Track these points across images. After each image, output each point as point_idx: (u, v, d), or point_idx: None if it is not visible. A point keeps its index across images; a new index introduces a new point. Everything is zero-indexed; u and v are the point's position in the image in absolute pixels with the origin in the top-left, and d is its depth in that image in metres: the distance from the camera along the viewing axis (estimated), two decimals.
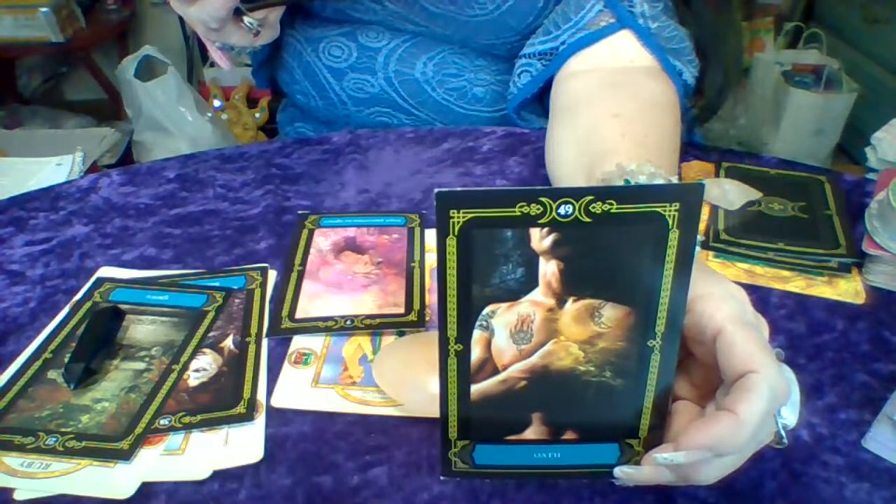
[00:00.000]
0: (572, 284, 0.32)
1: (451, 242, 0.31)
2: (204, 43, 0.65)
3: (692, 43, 0.63)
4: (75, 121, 2.24)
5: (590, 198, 0.30)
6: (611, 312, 0.33)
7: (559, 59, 0.63)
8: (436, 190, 0.30)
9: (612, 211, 0.30)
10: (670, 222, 0.31)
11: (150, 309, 0.50)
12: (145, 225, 0.60)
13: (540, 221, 0.31)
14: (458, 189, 0.30)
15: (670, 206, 0.30)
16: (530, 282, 0.32)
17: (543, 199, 0.30)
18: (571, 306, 0.33)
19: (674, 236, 0.31)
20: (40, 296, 0.52)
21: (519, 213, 0.30)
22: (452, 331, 0.33)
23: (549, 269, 0.32)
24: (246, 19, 0.59)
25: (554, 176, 0.58)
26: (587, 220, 0.30)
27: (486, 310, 0.33)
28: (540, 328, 0.34)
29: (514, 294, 0.33)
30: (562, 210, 0.30)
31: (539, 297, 0.33)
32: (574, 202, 0.30)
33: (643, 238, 0.31)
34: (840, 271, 0.54)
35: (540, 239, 0.31)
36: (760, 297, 0.51)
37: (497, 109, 0.75)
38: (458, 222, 0.30)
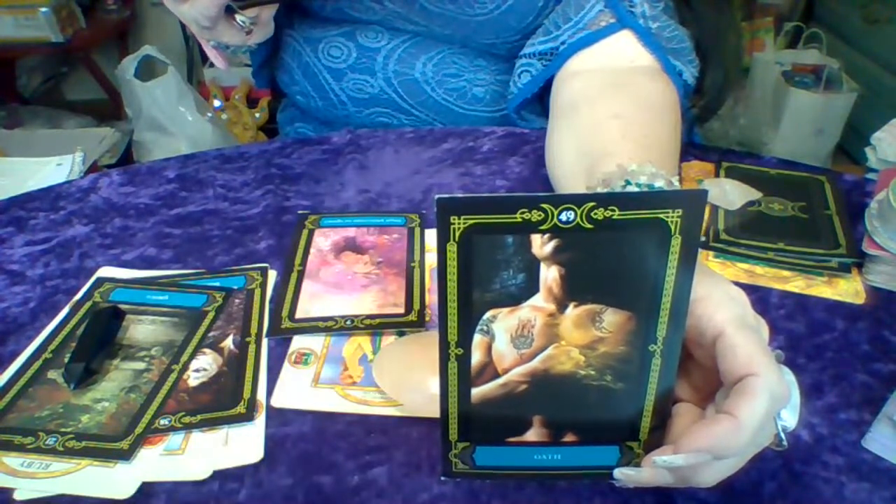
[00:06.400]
0: (573, 290, 0.32)
1: (452, 248, 0.31)
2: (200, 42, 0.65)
3: (692, 43, 0.63)
4: (75, 121, 2.24)
5: (591, 204, 0.30)
6: (612, 317, 0.33)
7: (559, 58, 0.63)
8: (436, 196, 0.29)
9: (615, 217, 0.30)
10: (672, 228, 0.31)
11: (150, 309, 0.50)
12: (145, 225, 0.60)
13: (541, 228, 0.30)
14: (459, 196, 0.30)
15: (673, 212, 0.30)
16: (531, 287, 0.32)
17: (545, 206, 0.30)
18: (572, 311, 0.33)
19: (676, 242, 0.31)
20: (40, 296, 0.52)
21: (520, 220, 0.30)
22: (453, 335, 0.33)
23: (550, 275, 0.32)
24: (238, 17, 0.59)
25: (554, 176, 0.58)
26: (589, 226, 0.30)
27: (487, 314, 0.33)
28: (541, 333, 0.34)
29: (514, 299, 0.33)
30: (563, 216, 0.30)
31: (540, 303, 0.33)
32: (576, 209, 0.30)
33: (645, 244, 0.31)
34: (840, 271, 0.54)
35: (541, 245, 0.31)
36: (760, 297, 0.51)
37: (497, 109, 0.75)
38: (459, 228, 0.30)
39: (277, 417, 0.42)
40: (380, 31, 0.73)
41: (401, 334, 0.48)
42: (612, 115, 0.53)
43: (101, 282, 0.53)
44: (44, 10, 2.00)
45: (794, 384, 0.35)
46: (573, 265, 0.32)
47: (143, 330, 0.48)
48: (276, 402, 0.43)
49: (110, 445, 0.40)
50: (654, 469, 0.34)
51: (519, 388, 0.35)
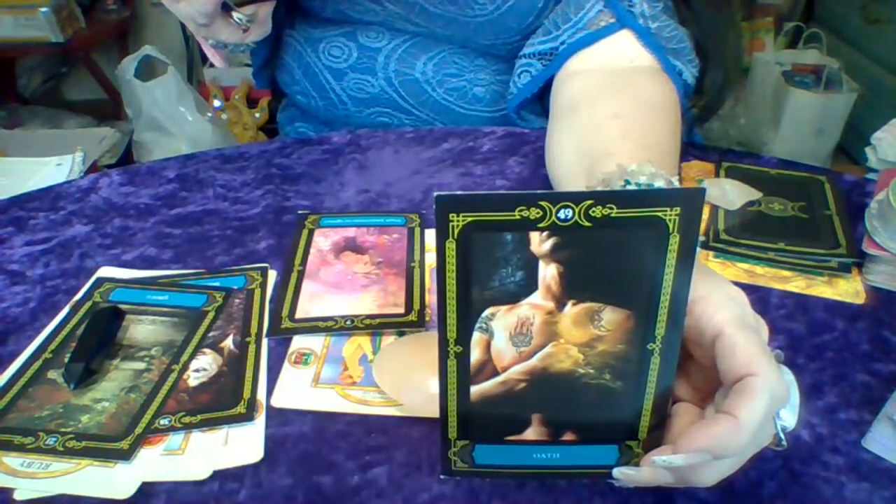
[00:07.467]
0: (572, 288, 0.32)
1: (451, 245, 0.31)
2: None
3: (692, 43, 0.63)
4: (75, 121, 2.24)
5: (590, 202, 0.30)
6: (610, 316, 0.33)
7: (559, 59, 0.63)
8: (435, 193, 0.29)
9: (612, 215, 0.30)
10: (670, 227, 0.31)
11: (150, 309, 0.50)
12: (145, 225, 0.60)
13: (540, 225, 0.31)
14: (458, 193, 0.30)
15: (671, 210, 0.30)
16: (530, 285, 0.32)
17: (543, 203, 0.30)
18: (571, 309, 0.33)
19: (674, 240, 0.31)
20: (40, 296, 0.52)
21: (518, 217, 0.30)
22: (452, 333, 0.33)
23: (548, 273, 0.32)
24: (235, 15, 0.58)
25: (554, 176, 0.58)
26: (587, 224, 0.30)
27: (486, 312, 0.33)
28: (539, 331, 0.34)
29: (513, 297, 0.33)
30: (561, 214, 0.30)
31: (539, 300, 0.33)
32: (574, 206, 0.30)
33: (643, 242, 0.31)
34: (840, 271, 0.54)
35: (540, 242, 0.31)
36: (760, 297, 0.51)
37: (497, 109, 0.75)
38: (458, 226, 0.30)
39: (277, 417, 0.42)
40: (380, 32, 0.73)
41: (401, 334, 0.48)
42: (612, 115, 0.53)
43: (101, 282, 0.53)
44: (44, 10, 2.01)
45: (794, 384, 0.35)
46: (572, 263, 0.32)
47: (143, 330, 0.48)
48: (276, 402, 0.43)
49: (110, 445, 0.40)
50: (654, 469, 0.34)
51: (518, 387, 0.35)
